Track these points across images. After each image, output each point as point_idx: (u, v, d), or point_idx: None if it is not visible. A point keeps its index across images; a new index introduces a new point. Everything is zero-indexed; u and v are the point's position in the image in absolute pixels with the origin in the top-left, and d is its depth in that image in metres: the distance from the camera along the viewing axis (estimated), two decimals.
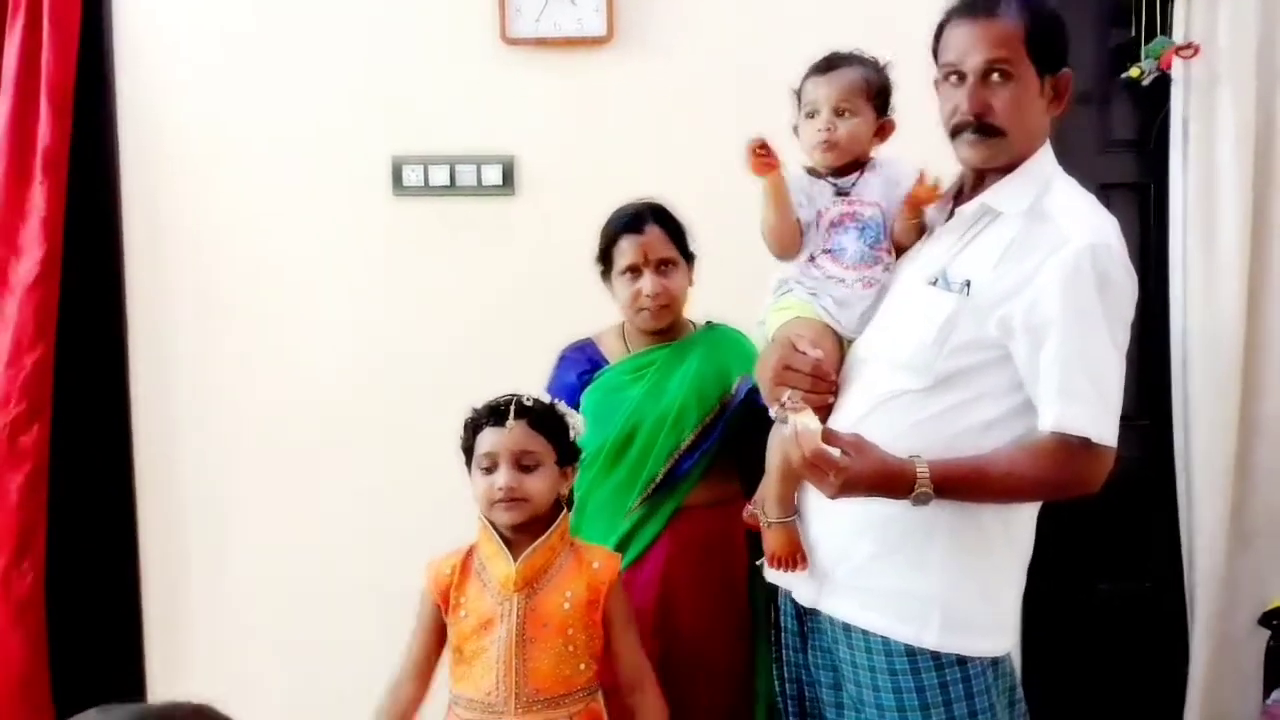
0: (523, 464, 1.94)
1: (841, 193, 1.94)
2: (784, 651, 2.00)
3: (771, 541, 1.91)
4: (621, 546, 2.18)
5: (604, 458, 2.21)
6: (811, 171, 1.97)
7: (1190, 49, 2.70)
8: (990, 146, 1.78)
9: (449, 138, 2.86)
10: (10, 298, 2.78)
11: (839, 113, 1.90)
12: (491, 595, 1.94)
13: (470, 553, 2.01)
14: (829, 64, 1.94)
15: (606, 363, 2.30)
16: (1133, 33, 2.80)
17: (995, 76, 1.75)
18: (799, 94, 1.98)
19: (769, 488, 1.90)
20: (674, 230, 2.25)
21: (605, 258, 2.28)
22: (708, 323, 2.34)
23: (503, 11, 2.80)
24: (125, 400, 2.93)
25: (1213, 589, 2.85)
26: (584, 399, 2.26)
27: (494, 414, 1.97)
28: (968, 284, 1.74)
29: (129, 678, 2.98)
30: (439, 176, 2.86)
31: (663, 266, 2.21)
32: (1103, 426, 1.69)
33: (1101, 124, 2.96)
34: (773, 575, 1.94)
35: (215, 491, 2.95)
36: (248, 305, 2.91)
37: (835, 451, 1.65)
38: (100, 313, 2.90)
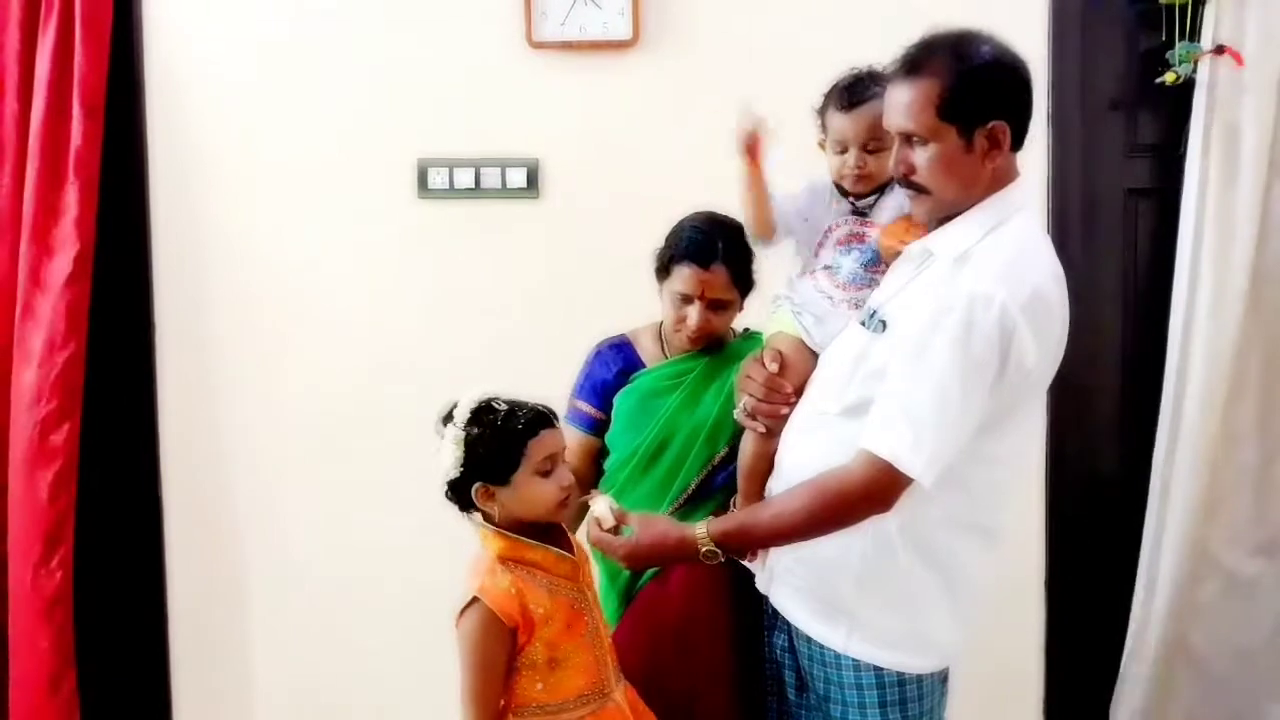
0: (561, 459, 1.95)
1: (858, 211, 2.00)
2: (771, 648, 2.06)
3: None
4: None
5: (635, 464, 2.19)
6: (838, 187, 2.03)
7: (1225, 52, 2.68)
8: (922, 202, 1.84)
9: (474, 140, 2.88)
10: (43, 297, 2.81)
11: (868, 149, 1.95)
12: (564, 593, 1.91)
13: (503, 564, 1.89)
14: (851, 98, 1.96)
15: (642, 364, 2.27)
16: (1163, 37, 2.78)
17: (914, 139, 1.79)
18: (822, 118, 2.02)
19: (739, 485, 2.05)
20: (741, 266, 2.16)
21: (664, 270, 2.20)
22: (746, 330, 2.29)
23: (528, 15, 2.81)
24: (153, 399, 2.96)
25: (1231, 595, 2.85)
26: (618, 402, 2.24)
27: (546, 418, 1.92)
28: (884, 324, 1.81)
29: (155, 676, 3.02)
30: (464, 179, 2.87)
31: (716, 305, 2.15)
32: (905, 454, 1.71)
33: (1129, 128, 2.94)
34: (749, 563, 2.05)
35: (242, 490, 2.98)
36: (274, 306, 2.94)
37: (619, 536, 1.91)
38: (129, 313, 2.94)
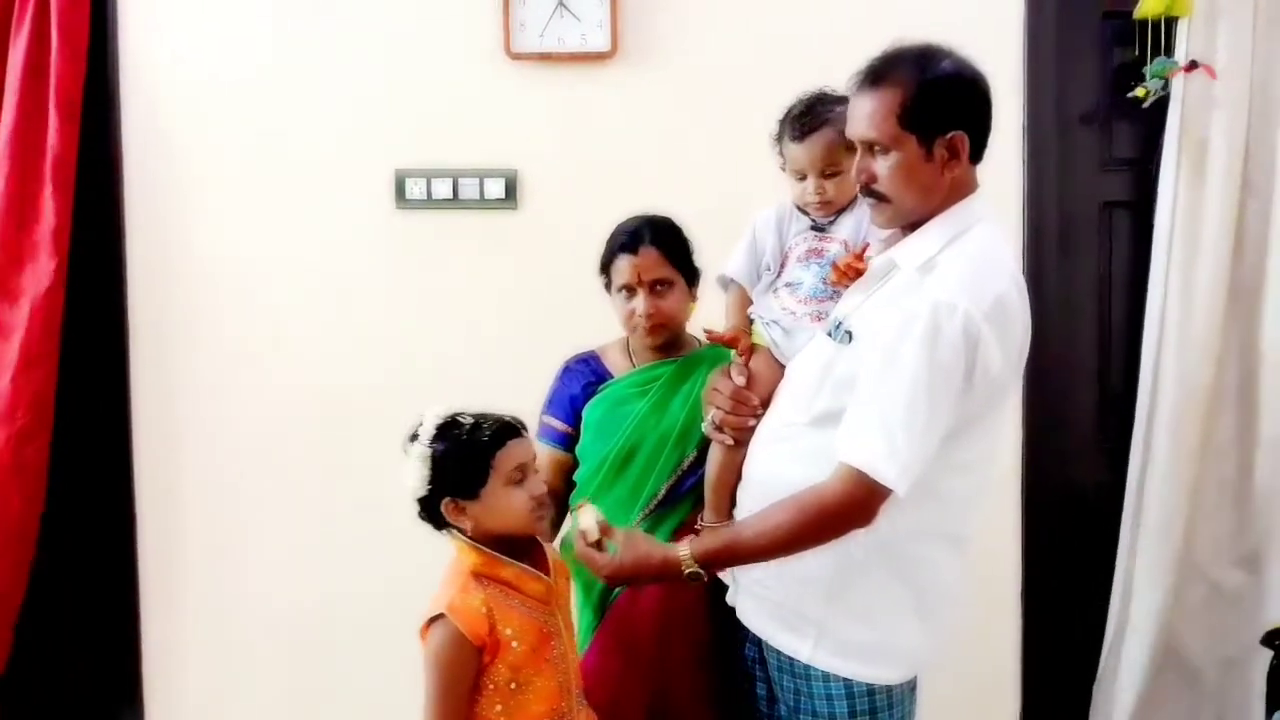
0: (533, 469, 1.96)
1: (816, 228, 2.04)
2: (746, 661, 2.06)
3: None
4: None
5: (605, 471, 2.20)
6: (800, 209, 2.07)
7: (1199, 68, 2.71)
8: (882, 211, 1.86)
9: (452, 151, 2.88)
10: (14, 308, 2.77)
11: (825, 175, 1.99)
12: (534, 614, 1.89)
13: (472, 584, 1.87)
14: (803, 127, 1.99)
15: (610, 376, 2.29)
16: (1136, 53, 2.81)
17: (876, 148, 1.81)
18: (779, 145, 2.05)
19: (706, 494, 2.06)
20: (674, 248, 2.22)
21: (605, 273, 2.27)
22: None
23: (507, 26, 2.81)
24: (126, 410, 2.94)
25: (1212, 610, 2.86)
26: (587, 412, 2.25)
27: (513, 429, 1.93)
28: (849, 334, 1.83)
29: (127, 690, 2.99)
30: (442, 189, 2.87)
31: (658, 287, 2.19)
32: (881, 463, 1.72)
33: (1104, 142, 2.97)
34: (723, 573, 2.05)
35: (216, 503, 2.96)
36: (250, 316, 2.92)
37: (604, 554, 1.90)
38: (102, 324, 2.91)
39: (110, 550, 2.96)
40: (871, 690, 1.88)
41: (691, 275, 2.25)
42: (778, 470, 1.87)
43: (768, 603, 1.93)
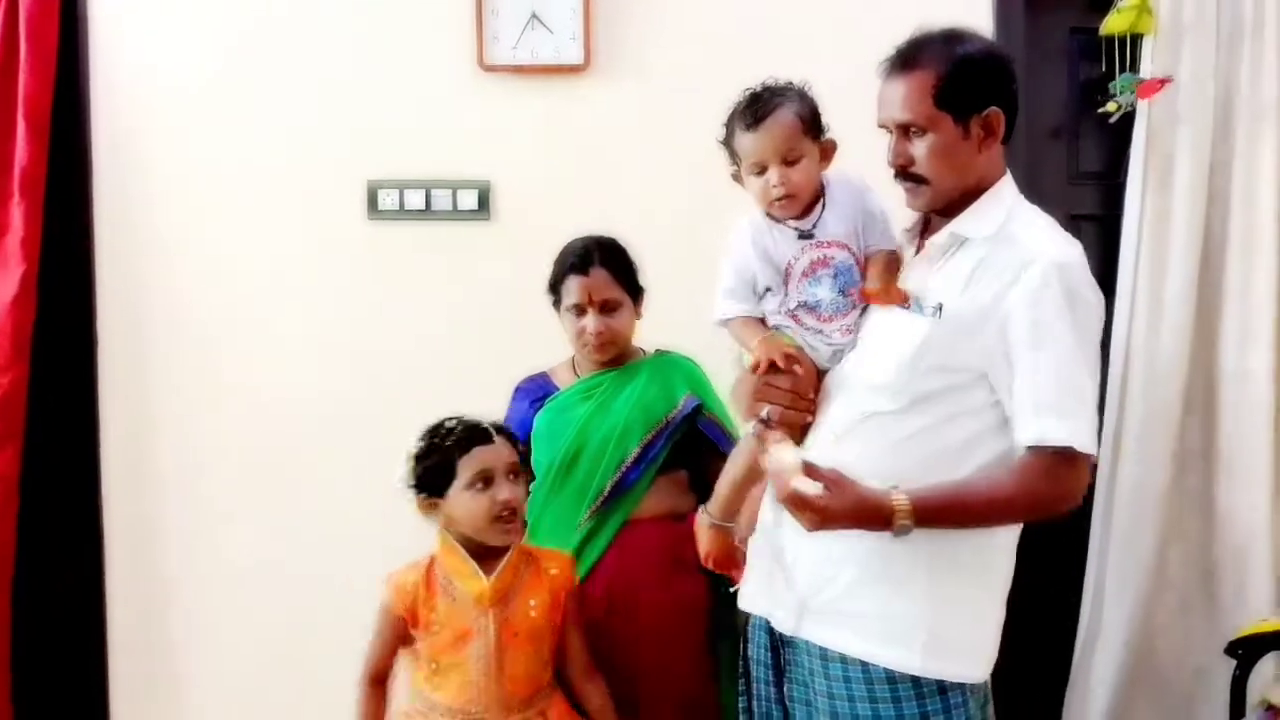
0: (517, 473, 2.09)
1: (805, 235, 1.91)
2: (754, 685, 1.98)
3: (706, 541, 2.05)
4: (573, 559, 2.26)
5: (554, 473, 2.29)
6: (770, 216, 1.93)
7: (1160, 82, 2.75)
8: (920, 194, 1.85)
9: (425, 162, 2.88)
10: None
11: (787, 162, 1.87)
12: (464, 610, 2.02)
13: (431, 566, 2.07)
14: (757, 114, 1.88)
15: (557, 389, 2.39)
16: (1103, 68, 2.85)
17: (912, 130, 1.81)
18: (729, 147, 1.94)
19: (720, 489, 2.02)
20: (621, 269, 2.31)
21: (554, 292, 2.36)
22: (657, 350, 2.41)
23: (479, 38, 2.82)
24: (95, 421, 2.91)
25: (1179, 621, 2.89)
26: (536, 421, 2.35)
27: (482, 434, 2.05)
28: (939, 308, 1.78)
29: (94, 701, 2.96)
30: (415, 200, 2.87)
31: (607, 306, 2.28)
32: (1082, 435, 1.72)
33: (1071, 156, 3.00)
34: (749, 603, 1.96)
35: (186, 515, 2.94)
36: (222, 328, 2.91)
37: (814, 488, 1.67)
38: (72, 333, 2.89)
39: (79, 558, 2.93)
40: (963, 688, 1.82)
41: (636, 293, 2.35)
42: (863, 462, 1.77)
43: (858, 617, 1.81)
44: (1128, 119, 2.83)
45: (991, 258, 1.78)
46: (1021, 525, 1.88)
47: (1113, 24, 2.78)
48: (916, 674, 1.78)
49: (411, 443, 2.08)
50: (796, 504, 1.69)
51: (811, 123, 1.90)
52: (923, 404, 1.78)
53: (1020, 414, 1.74)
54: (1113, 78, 2.82)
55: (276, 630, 2.94)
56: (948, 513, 1.75)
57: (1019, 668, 2.96)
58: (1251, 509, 2.83)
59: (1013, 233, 1.80)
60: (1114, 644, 2.89)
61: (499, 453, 2.04)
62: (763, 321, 1.93)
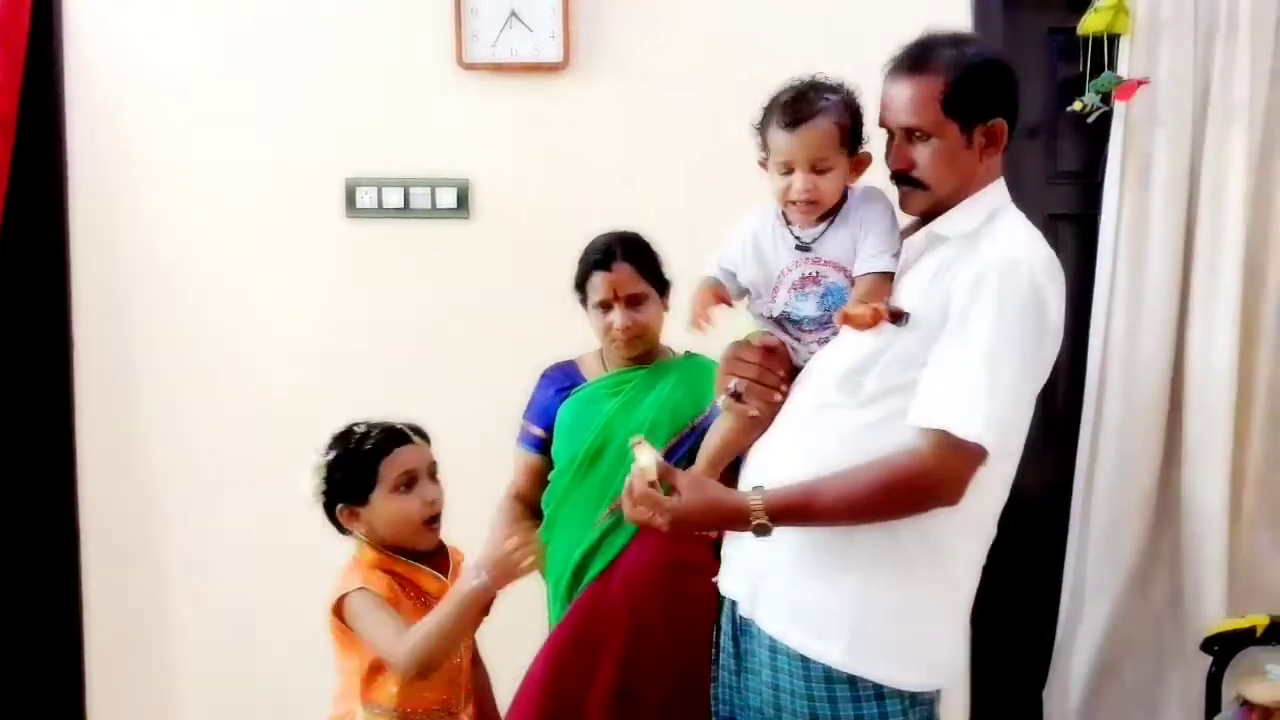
0: (435, 473, 2.02)
1: (803, 247, 1.88)
2: (720, 672, 2.00)
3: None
4: (589, 557, 2.24)
5: (575, 467, 2.28)
6: (784, 215, 1.91)
7: (1136, 84, 2.76)
8: (917, 198, 1.85)
9: (404, 161, 2.87)
10: None
11: (816, 170, 1.82)
12: (428, 610, 1.93)
13: (374, 577, 1.95)
14: (797, 115, 1.81)
15: (585, 380, 2.37)
16: (1081, 68, 2.86)
17: (916, 134, 1.80)
18: (763, 135, 1.88)
19: (698, 464, 1.98)
20: (645, 263, 2.30)
21: (580, 289, 2.34)
22: (687, 352, 2.37)
23: (458, 36, 2.81)
24: (70, 420, 2.90)
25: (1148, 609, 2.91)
26: (560, 411, 2.33)
27: (401, 436, 2.00)
28: (906, 316, 1.77)
29: (70, 706, 2.93)
30: (393, 199, 2.86)
31: (633, 301, 2.27)
32: (966, 422, 1.69)
33: (1049, 156, 3.01)
34: (720, 585, 1.97)
35: (163, 514, 2.93)
36: (198, 326, 2.90)
37: (667, 496, 1.77)
38: (47, 334, 2.87)
39: (53, 560, 2.91)
40: (902, 696, 1.80)
41: (662, 287, 2.33)
42: (816, 453, 1.79)
43: (792, 605, 1.84)
44: (1105, 118, 2.84)
45: (956, 257, 1.78)
46: (987, 531, 1.88)
47: (1090, 24, 2.79)
48: (837, 667, 1.79)
49: (318, 454, 1.99)
50: (648, 505, 1.77)
51: (850, 134, 1.85)
52: (877, 399, 1.79)
53: (915, 397, 1.74)
54: (1091, 77, 2.83)
55: (261, 634, 2.93)
56: (805, 509, 1.76)
57: (999, 664, 3.00)
58: (1218, 508, 2.83)
59: (983, 234, 1.80)
60: (1093, 640, 2.91)
61: (420, 452, 1.99)
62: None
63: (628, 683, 2.18)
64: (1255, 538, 2.89)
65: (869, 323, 1.75)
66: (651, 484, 1.79)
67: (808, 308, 1.88)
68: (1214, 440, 2.82)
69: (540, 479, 2.36)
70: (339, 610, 1.92)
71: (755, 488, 1.78)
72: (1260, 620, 2.60)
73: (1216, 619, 2.73)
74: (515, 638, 2.36)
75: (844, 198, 1.88)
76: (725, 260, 1.97)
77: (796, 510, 1.76)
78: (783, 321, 1.92)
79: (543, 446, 2.36)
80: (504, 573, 1.86)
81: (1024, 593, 3.01)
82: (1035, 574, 3.00)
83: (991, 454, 1.71)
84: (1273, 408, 2.91)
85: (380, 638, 1.88)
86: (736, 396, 1.90)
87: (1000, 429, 1.71)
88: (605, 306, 2.28)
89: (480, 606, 1.87)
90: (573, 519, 2.27)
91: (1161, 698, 2.95)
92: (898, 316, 1.77)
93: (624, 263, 2.27)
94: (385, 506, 1.96)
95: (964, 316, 1.72)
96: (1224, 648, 2.61)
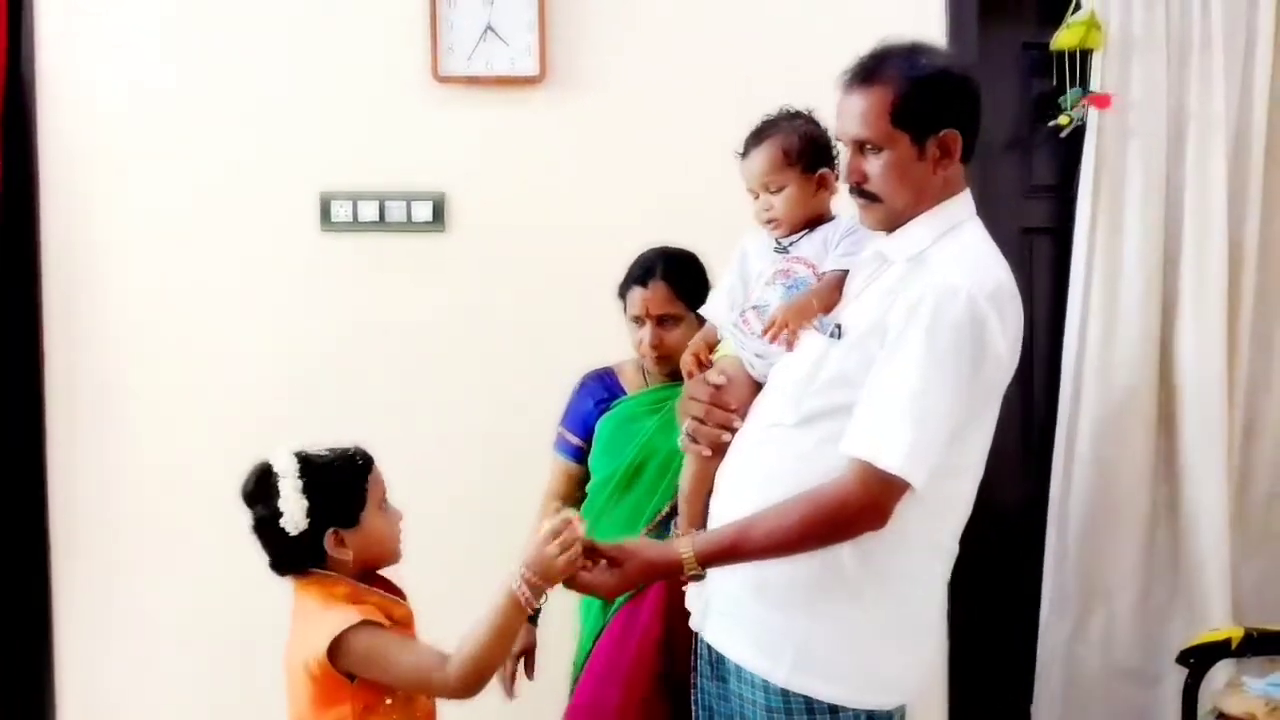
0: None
1: (780, 250, 1.99)
2: (699, 679, 2.00)
3: None
4: None
5: (614, 486, 2.30)
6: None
7: (1106, 100, 2.78)
8: (873, 210, 1.84)
9: (379, 174, 2.86)
10: None
11: (770, 190, 1.95)
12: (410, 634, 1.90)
13: (361, 605, 1.84)
14: (748, 144, 1.98)
15: (624, 393, 2.38)
16: (1054, 83, 2.88)
17: (868, 147, 1.80)
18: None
19: (680, 508, 2.04)
20: (684, 283, 2.30)
21: (622, 299, 2.37)
22: None
23: (434, 49, 2.81)
24: (41, 436, 2.87)
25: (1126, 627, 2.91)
26: (599, 426, 2.35)
27: (369, 456, 1.92)
28: (839, 328, 1.79)
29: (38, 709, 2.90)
30: (368, 212, 2.85)
31: (664, 320, 2.29)
32: (887, 453, 1.68)
33: (1024, 169, 3.03)
34: (689, 597, 1.99)
35: (134, 531, 2.89)
36: (172, 341, 2.87)
37: (601, 575, 1.79)
38: (17, 351, 2.84)
39: (22, 565, 2.88)
40: (858, 713, 1.80)
41: (699, 307, 2.28)
42: (762, 473, 1.82)
43: (741, 621, 1.85)
44: (1079, 132, 2.86)
45: (900, 282, 1.78)
46: (947, 548, 1.88)
47: (1063, 39, 2.82)
48: (783, 686, 1.79)
49: (291, 482, 1.82)
50: (582, 587, 1.80)
51: (798, 155, 1.94)
52: (813, 420, 1.79)
53: (851, 422, 1.73)
54: (1063, 92, 2.85)
55: (239, 648, 2.88)
56: (735, 550, 1.78)
57: (983, 680, 3.00)
58: (1208, 517, 2.85)
59: (928, 257, 1.78)
60: (1072, 653, 2.91)
61: (380, 472, 1.93)
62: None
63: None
64: (1235, 547, 2.90)
65: (791, 321, 1.84)
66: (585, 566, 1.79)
67: (773, 296, 1.94)
68: (1207, 449, 2.84)
69: (578, 486, 2.39)
70: (334, 654, 1.76)
71: (686, 535, 1.84)
72: (1235, 633, 2.59)
73: (1201, 630, 2.73)
74: (540, 654, 2.43)
75: (823, 219, 1.98)
76: (723, 290, 2.05)
77: (726, 553, 1.79)
78: (750, 315, 1.96)
79: (581, 455, 2.39)
80: (545, 572, 1.76)
81: (1003, 605, 3.01)
82: (1013, 586, 2.99)
83: (916, 485, 1.70)
84: (1249, 415, 2.93)
85: (419, 665, 1.77)
86: (692, 437, 1.96)
87: (925, 460, 1.69)
88: (638, 322, 2.31)
89: (522, 608, 1.77)
90: (609, 536, 2.21)
91: (1145, 710, 2.95)
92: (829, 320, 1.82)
93: (661, 281, 2.29)
94: (375, 525, 1.87)
95: (897, 344, 1.71)
96: (1199, 660, 2.61)
